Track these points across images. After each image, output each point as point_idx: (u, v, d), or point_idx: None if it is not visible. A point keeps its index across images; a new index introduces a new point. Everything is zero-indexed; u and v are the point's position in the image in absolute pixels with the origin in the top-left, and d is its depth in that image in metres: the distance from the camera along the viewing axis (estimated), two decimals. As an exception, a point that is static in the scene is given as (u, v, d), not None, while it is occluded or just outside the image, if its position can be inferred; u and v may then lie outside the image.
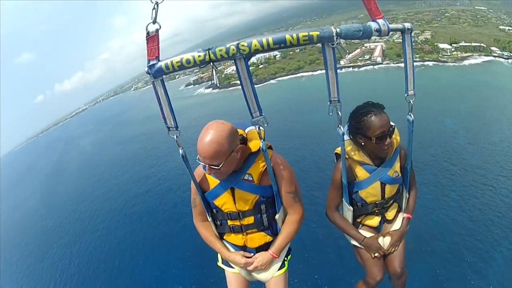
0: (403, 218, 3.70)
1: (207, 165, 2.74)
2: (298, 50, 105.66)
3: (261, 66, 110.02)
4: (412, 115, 3.02)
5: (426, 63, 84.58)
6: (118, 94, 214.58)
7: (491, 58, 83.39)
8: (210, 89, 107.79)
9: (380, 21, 2.51)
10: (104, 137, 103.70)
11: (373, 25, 2.48)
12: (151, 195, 43.06)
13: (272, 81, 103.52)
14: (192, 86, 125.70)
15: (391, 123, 3.20)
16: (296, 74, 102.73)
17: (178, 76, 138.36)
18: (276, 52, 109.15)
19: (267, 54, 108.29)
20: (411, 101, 2.93)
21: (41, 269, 37.84)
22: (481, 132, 42.72)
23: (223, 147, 2.69)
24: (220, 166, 2.74)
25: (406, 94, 2.89)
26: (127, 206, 44.40)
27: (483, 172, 33.61)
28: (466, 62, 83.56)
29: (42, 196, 66.67)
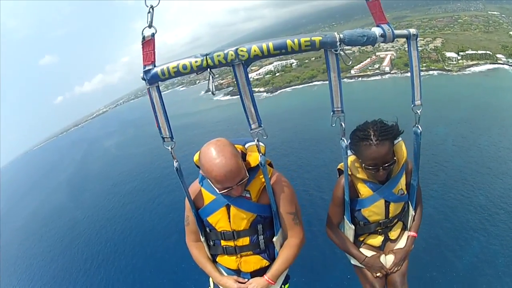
0: (408, 236, 3.55)
1: (234, 186, 2.65)
2: (314, 58, 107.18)
3: (277, 74, 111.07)
4: (420, 126, 2.88)
5: (431, 72, 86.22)
6: (138, 98, 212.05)
7: (496, 65, 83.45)
8: (229, 96, 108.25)
9: (385, 26, 2.45)
10: (128, 138, 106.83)
11: (378, 30, 2.43)
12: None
13: (287, 89, 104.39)
14: (210, 89, 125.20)
15: (391, 158, 3.03)
16: (309, 83, 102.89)
17: (198, 81, 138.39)
18: (292, 60, 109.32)
19: (284, 62, 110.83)
20: (418, 111, 2.79)
21: (71, 254, 43.18)
22: (470, 136, 45.95)
23: (239, 158, 2.66)
24: (247, 175, 2.74)
25: (412, 105, 2.77)
26: (155, 201, 49.06)
27: (465, 170, 37.34)
28: (469, 71, 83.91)
29: (70, 191, 71.11)
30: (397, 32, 2.50)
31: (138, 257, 37.35)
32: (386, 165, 3.01)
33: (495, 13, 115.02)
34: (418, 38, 2.68)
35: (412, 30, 2.60)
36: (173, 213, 41.38)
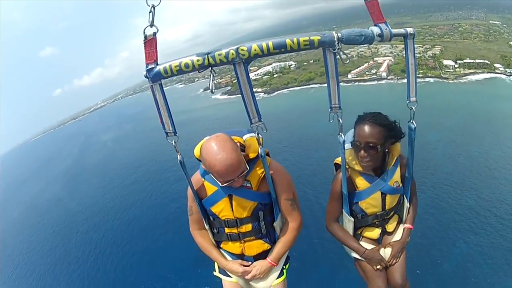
0: (404, 228, 3.64)
1: (235, 179, 2.74)
2: (312, 61, 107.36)
3: (275, 75, 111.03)
4: (414, 122, 2.96)
5: (427, 79, 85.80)
6: (137, 93, 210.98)
7: (493, 75, 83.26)
8: (227, 95, 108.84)
9: (382, 25, 2.48)
10: (126, 133, 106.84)
11: (375, 29, 2.46)
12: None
13: (284, 90, 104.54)
14: (210, 86, 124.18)
15: (375, 142, 3.09)
16: (307, 85, 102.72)
17: (197, 79, 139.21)
18: (291, 62, 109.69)
19: (282, 63, 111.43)
20: (413, 108, 2.87)
21: (67, 245, 43.30)
22: (462, 143, 46.36)
23: (239, 152, 2.75)
24: (247, 168, 2.83)
25: (408, 101, 2.84)
26: (152, 197, 48.93)
27: (455, 174, 38.04)
28: (466, 79, 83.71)
29: (67, 183, 71.34)
30: (394, 31, 2.55)
31: (135, 248, 37.77)
32: (368, 145, 3.09)
33: (496, 22, 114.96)
34: (417, 45, 2.82)
35: (409, 29, 2.64)
36: (171, 205, 42.06)
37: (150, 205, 47.11)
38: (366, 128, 3.08)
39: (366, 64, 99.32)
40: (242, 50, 2.38)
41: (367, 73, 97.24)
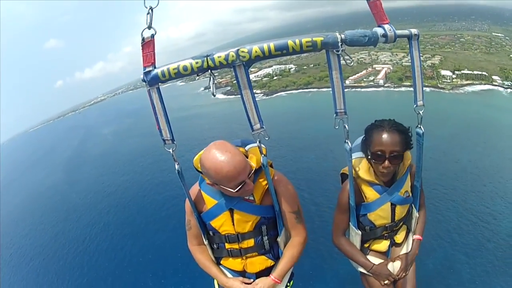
0: (413, 240, 3.58)
1: (246, 181, 2.64)
2: (312, 65, 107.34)
3: (275, 78, 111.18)
4: (422, 127, 2.90)
5: (424, 88, 78.59)
6: (138, 89, 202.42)
7: (490, 87, 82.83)
8: (226, 95, 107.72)
9: (387, 26, 2.46)
10: (126, 128, 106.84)
11: (379, 30, 2.45)
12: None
13: (283, 93, 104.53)
14: (210, 89, 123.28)
15: (399, 150, 3.04)
16: (305, 89, 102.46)
17: (198, 78, 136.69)
18: (291, 65, 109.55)
19: (282, 66, 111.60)
20: (420, 112, 2.83)
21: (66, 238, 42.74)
22: (450, 152, 47.09)
23: (242, 155, 2.67)
24: (253, 166, 2.75)
25: (415, 105, 2.79)
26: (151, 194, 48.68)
27: (442, 180, 38.36)
28: (462, 90, 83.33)
29: (67, 175, 70.57)
30: (398, 32, 2.52)
31: (137, 237, 38.01)
32: (393, 154, 3.03)
33: (499, 34, 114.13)
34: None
35: (414, 30, 2.62)
36: (173, 198, 41.38)
37: (152, 197, 47.43)
38: (389, 136, 3.04)
39: (364, 71, 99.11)
40: (243, 52, 2.38)
41: (364, 79, 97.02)
